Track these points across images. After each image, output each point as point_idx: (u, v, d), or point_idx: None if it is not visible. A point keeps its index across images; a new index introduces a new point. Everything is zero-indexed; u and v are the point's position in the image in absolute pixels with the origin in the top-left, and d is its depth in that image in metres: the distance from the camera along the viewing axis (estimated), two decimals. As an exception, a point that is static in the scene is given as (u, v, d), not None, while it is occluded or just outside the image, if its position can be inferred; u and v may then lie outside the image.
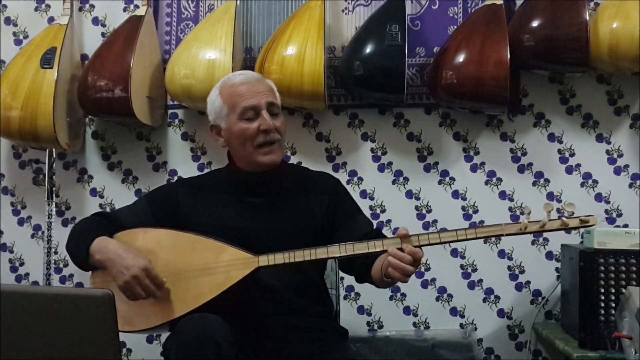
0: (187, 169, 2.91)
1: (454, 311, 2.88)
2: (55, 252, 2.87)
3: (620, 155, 2.84)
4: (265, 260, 1.93)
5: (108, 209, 2.93)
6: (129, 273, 1.89)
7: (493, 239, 2.85)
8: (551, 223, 1.86)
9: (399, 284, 2.85)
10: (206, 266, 1.94)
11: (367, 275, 2.04)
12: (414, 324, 2.89)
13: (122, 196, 2.91)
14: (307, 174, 2.24)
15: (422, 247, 1.87)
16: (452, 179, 2.90)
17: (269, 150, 2.06)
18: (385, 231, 2.88)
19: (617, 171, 2.84)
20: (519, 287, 2.86)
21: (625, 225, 2.79)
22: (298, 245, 1.97)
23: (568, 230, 1.96)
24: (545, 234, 2.81)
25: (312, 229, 2.10)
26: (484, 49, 2.65)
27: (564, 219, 1.85)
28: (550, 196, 2.85)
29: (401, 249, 1.84)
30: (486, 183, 2.89)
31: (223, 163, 2.32)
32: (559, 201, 2.84)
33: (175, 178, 2.90)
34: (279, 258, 1.92)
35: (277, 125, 2.07)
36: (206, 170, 2.91)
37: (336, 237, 2.08)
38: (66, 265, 2.99)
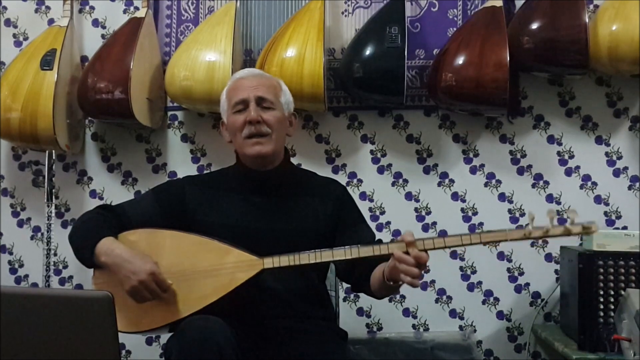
0: (187, 171, 2.89)
1: (453, 313, 2.88)
2: (55, 254, 2.87)
3: (620, 157, 2.84)
4: (270, 262, 1.93)
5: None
6: (135, 278, 1.89)
7: (492, 240, 2.85)
8: (554, 229, 1.86)
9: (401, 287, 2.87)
10: (210, 268, 1.94)
11: (366, 283, 2.05)
12: (413, 326, 2.89)
13: (121, 198, 2.87)
14: (314, 178, 2.24)
15: (428, 250, 1.87)
16: (452, 180, 2.90)
17: (256, 141, 2.07)
18: (385, 233, 2.88)
19: (617, 173, 2.84)
20: (518, 289, 2.86)
21: (625, 228, 2.79)
22: (301, 248, 1.97)
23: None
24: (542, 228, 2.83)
25: (315, 232, 2.11)
26: (483, 51, 2.65)
27: (567, 225, 1.85)
28: (550, 198, 2.85)
29: (407, 253, 1.84)
30: (485, 185, 2.89)
31: (222, 165, 2.32)
32: (559, 203, 2.84)
33: (177, 178, 2.89)
34: (284, 260, 1.92)
35: (265, 118, 2.08)
36: (206, 172, 2.91)
37: (337, 244, 2.08)
38: (66, 266, 2.99)
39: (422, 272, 1.84)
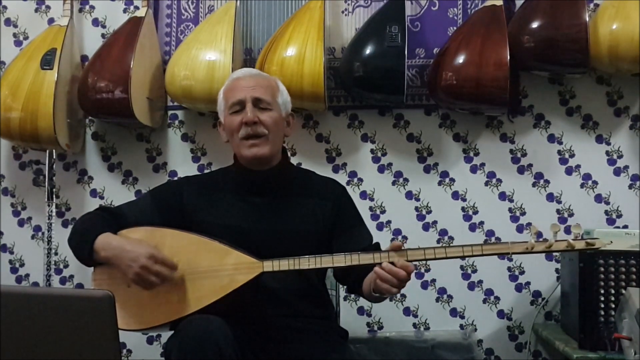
0: (187, 170, 2.90)
1: (453, 312, 2.88)
2: (56, 253, 2.87)
3: (620, 156, 2.84)
4: (269, 265, 1.93)
5: (108, 210, 2.93)
6: (136, 264, 1.89)
7: (493, 239, 2.85)
8: (558, 244, 1.86)
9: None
10: (210, 268, 1.94)
11: (359, 287, 2.06)
12: (414, 325, 2.89)
13: (122, 197, 2.90)
14: (313, 178, 2.24)
15: (429, 260, 1.88)
16: (452, 180, 2.90)
17: (253, 143, 2.06)
18: (385, 232, 2.88)
19: (617, 172, 2.84)
20: (518, 288, 2.86)
21: (625, 226, 2.79)
22: (300, 248, 1.97)
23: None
24: (544, 235, 2.82)
25: (314, 233, 2.10)
26: (483, 50, 2.65)
27: (570, 240, 1.85)
28: (550, 197, 2.85)
29: (392, 263, 1.85)
30: (486, 184, 2.89)
31: (223, 164, 2.32)
32: (559, 202, 2.84)
33: (175, 179, 2.90)
34: (284, 264, 1.92)
35: (262, 119, 2.07)
36: (206, 171, 2.91)
37: (334, 246, 2.09)
38: (66, 266, 2.99)
39: (404, 283, 1.86)
